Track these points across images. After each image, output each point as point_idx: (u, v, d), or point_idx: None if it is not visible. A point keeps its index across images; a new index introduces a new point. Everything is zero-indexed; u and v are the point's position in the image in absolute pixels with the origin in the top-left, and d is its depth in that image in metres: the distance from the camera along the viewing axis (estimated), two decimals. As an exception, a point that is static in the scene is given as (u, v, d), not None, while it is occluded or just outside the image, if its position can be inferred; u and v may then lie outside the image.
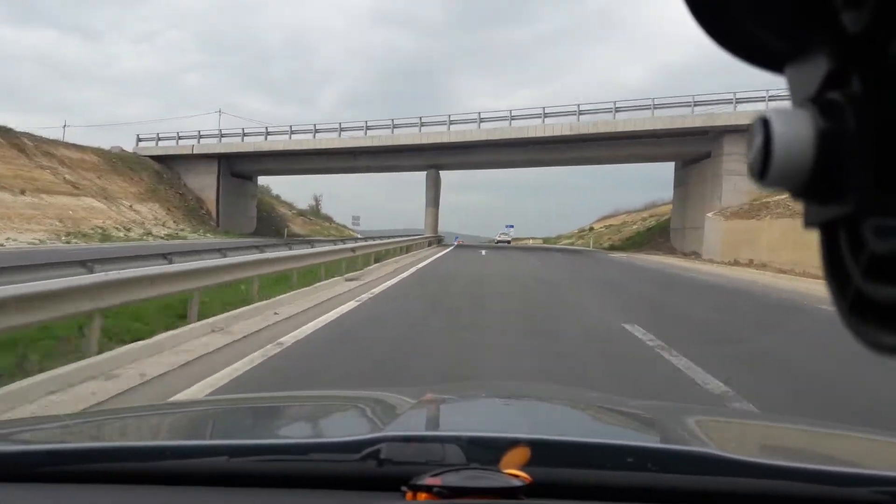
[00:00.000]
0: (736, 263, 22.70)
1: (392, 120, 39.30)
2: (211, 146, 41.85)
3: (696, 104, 31.01)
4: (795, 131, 0.30)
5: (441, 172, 40.81)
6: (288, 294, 8.87)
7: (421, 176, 40.60)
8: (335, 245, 15.32)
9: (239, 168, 43.16)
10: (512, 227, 68.26)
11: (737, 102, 30.23)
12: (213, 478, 0.98)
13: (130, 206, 34.65)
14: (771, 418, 2.11)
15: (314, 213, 70.62)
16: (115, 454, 1.07)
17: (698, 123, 29.83)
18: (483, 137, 35.68)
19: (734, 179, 27.01)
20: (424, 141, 37.59)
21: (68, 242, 24.47)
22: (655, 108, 32.03)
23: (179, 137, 43.07)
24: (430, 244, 32.48)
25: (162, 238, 30.95)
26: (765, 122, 0.31)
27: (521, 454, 0.93)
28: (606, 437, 1.22)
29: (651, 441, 1.25)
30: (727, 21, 0.33)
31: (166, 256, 7.75)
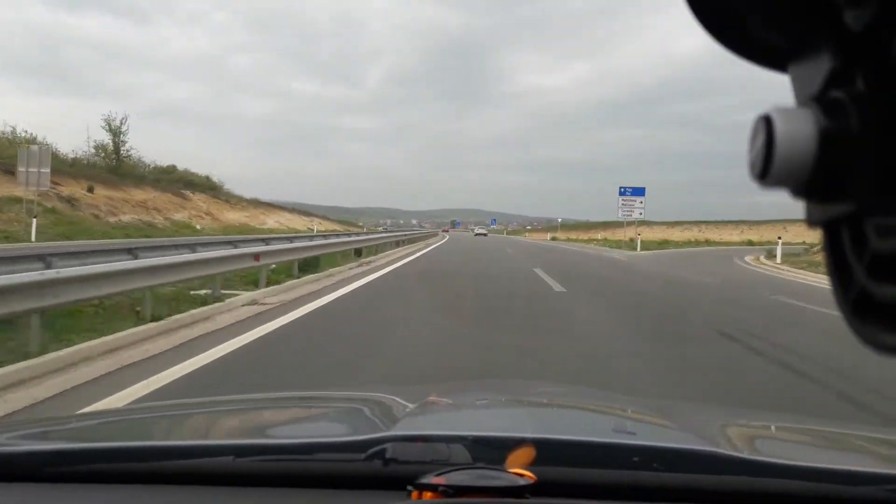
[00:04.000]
0: None
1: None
2: None
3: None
4: (798, 130, 0.30)
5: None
6: None
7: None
8: None
9: None
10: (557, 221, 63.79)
11: None
12: (218, 478, 0.98)
13: None
14: (776, 417, 2.10)
15: (112, 166, 31.95)
16: (122, 454, 1.07)
17: None
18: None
19: None
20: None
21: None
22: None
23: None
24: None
25: None
26: (767, 121, 0.30)
27: (526, 453, 0.93)
28: (612, 437, 1.22)
29: (656, 440, 1.24)
30: (730, 19, 0.33)
31: None
